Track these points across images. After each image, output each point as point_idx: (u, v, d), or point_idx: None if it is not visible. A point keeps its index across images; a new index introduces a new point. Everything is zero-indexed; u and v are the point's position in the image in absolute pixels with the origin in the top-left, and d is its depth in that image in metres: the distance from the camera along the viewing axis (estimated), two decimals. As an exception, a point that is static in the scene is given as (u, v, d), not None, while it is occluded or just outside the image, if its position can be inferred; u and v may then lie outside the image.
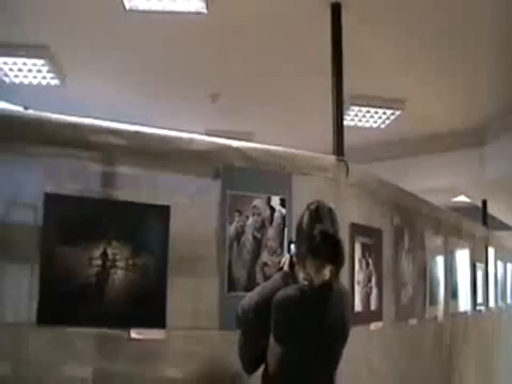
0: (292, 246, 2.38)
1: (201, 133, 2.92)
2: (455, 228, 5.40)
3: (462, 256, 5.60)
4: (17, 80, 5.30)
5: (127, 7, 3.95)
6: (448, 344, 4.91)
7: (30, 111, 3.71)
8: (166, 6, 3.96)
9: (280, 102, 5.92)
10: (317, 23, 3.81)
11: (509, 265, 7.62)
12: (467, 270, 5.73)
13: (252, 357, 2.27)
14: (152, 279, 2.48)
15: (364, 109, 5.99)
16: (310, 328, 2.14)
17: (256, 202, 2.86)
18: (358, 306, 3.38)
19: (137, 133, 2.58)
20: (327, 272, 2.16)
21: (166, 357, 2.50)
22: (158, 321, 2.46)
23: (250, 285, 2.70)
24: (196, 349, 2.53)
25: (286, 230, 2.92)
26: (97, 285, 2.37)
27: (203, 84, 5.50)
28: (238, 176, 2.80)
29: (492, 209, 7.99)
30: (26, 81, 5.29)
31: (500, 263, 7.09)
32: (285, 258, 2.43)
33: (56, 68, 5.06)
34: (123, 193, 2.49)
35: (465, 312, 5.57)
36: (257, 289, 2.36)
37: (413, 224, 4.34)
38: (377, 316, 3.64)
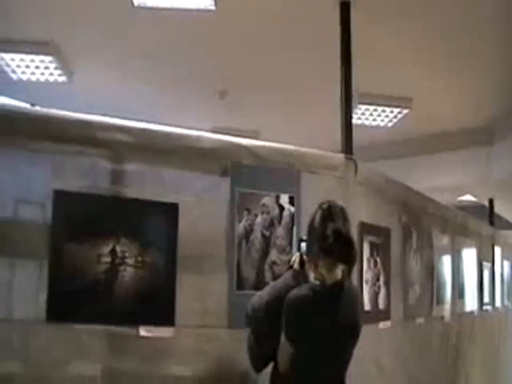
0: (303, 244, 2.36)
1: (208, 130, 2.91)
2: (461, 226, 5.38)
3: (469, 255, 5.57)
4: (24, 77, 5.29)
5: (136, 3, 3.95)
6: (455, 344, 4.89)
7: (37, 108, 3.73)
8: (174, 3, 3.96)
9: (287, 100, 5.90)
10: (325, 22, 3.79)
11: (515, 264, 7.60)
12: (474, 269, 5.71)
13: (261, 355, 2.27)
14: (161, 276, 2.48)
15: (371, 108, 5.98)
16: (322, 328, 2.13)
17: (265, 200, 2.84)
18: (366, 305, 3.37)
19: (145, 130, 2.57)
20: (339, 272, 2.16)
21: (175, 355, 2.49)
22: (167, 319, 2.45)
23: (259, 283, 2.69)
24: (204, 347, 2.52)
25: (294, 228, 2.90)
26: (106, 282, 2.36)
27: (211, 80, 5.49)
28: (246, 174, 2.79)
29: (498, 209, 7.98)
30: (33, 78, 5.28)
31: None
32: (295, 257, 2.42)
33: (64, 64, 5.05)
34: (131, 191, 2.48)
35: (472, 312, 5.55)
36: (267, 289, 2.35)
37: (420, 222, 4.32)
38: (385, 315, 3.63)
